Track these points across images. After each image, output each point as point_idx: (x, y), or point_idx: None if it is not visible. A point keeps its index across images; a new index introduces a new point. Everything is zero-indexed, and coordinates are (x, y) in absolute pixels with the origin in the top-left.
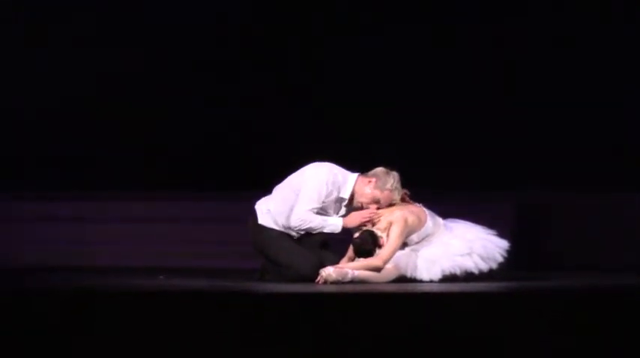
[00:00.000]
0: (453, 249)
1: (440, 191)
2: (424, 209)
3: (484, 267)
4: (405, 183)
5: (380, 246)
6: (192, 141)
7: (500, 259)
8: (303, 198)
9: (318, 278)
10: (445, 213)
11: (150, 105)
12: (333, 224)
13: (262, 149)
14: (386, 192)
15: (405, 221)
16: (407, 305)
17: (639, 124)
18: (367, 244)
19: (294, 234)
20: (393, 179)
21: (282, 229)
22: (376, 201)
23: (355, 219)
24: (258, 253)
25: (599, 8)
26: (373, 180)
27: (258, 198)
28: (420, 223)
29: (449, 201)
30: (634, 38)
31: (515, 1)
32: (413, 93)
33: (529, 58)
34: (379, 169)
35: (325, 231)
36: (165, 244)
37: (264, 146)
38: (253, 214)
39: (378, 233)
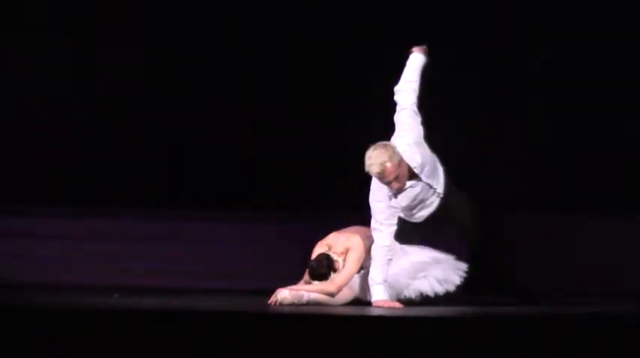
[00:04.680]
0: (409, 271)
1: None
2: None
3: (440, 289)
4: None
5: (335, 270)
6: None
7: (458, 282)
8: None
9: (272, 298)
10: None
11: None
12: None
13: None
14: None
15: (362, 247)
16: (361, 328)
17: (590, 146)
18: (322, 268)
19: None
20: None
21: None
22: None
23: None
24: None
25: None
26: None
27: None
28: None
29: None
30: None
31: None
32: (366, 117)
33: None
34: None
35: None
36: (122, 262)
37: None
38: None
39: (334, 257)
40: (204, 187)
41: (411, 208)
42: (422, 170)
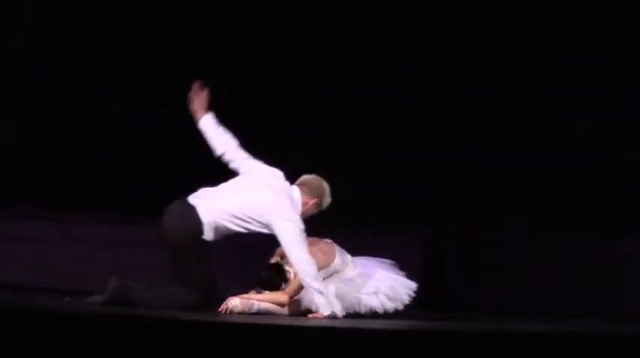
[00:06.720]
0: (360, 286)
1: (352, 228)
2: (334, 246)
3: (390, 306)
4: (316, 220)
5: (286, 281)
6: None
7: (407, 300)
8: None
9: (223, 307)
10: (355, 250)
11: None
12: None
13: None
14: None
15: (315, 259)
16: (307, 338)
17: (547, 165)
18: (274, 278)
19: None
20: (329, 197)
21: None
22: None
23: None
24: (171, 252)
25: None
26: (315, 200)
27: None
28: (328, 260)
29: (359, 238)
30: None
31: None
32: (325, 137)
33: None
34: (315, 182)
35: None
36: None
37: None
38: (195, 215)
39: (286, 267)
40: (150, 193)
41: None
42: None
